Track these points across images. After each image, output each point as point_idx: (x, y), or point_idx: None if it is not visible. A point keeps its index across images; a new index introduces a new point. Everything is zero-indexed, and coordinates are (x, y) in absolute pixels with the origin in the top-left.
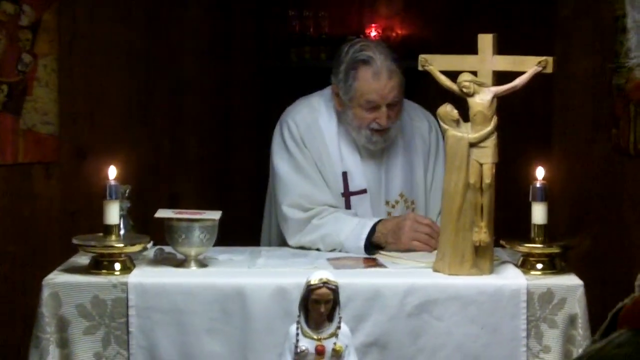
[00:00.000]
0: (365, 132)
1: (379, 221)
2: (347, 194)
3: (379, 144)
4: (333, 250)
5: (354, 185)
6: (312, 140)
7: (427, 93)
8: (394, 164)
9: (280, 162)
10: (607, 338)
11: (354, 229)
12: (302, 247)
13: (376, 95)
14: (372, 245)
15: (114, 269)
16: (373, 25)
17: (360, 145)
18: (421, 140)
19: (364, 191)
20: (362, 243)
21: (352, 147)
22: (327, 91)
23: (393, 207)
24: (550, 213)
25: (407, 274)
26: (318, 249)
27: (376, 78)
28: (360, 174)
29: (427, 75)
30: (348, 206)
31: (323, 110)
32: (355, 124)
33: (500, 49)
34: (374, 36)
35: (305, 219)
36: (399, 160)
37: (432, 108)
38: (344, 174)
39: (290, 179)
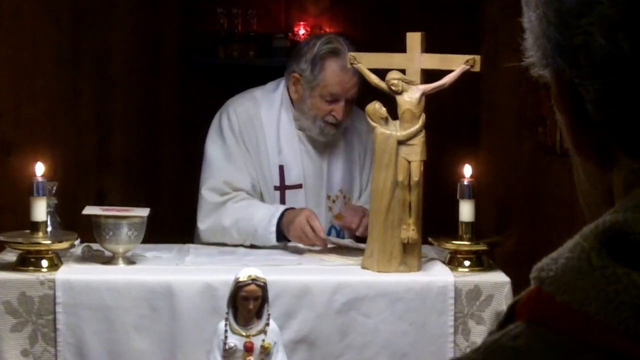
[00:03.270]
0: (320, 124)
1: (288, 209)
2: (282, 188)
3: (329, 136)
4: (246, 238)
5: (290, 179)
6: (251, 132)
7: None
8: (336, 159)
9: (211, 146)
10: (504, 330)
11: (266, 213)
12: (214, 235)
13: (340, 87)
14: (282, 235)
15: (41, 266)
16: (301, 23)
17: (305, 139)
18: (359, 140)
19: (299, 186)
20: (273, 228)
21: (293, 141)
22: (270, 86)
23: (334, 201)
24: (478, 210)
25: (335, 272)
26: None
27: (344, 71)
28: (299, 168)
29: (356, 73)
30: (283, 199)
31: (265, 103)
32: (311, 114)
33: (428, 47)
34: (303, 35)
35: (221, 202)
36: (340, 156)
37: (360, 106)
38: (281, 167)
39: (218, 165)
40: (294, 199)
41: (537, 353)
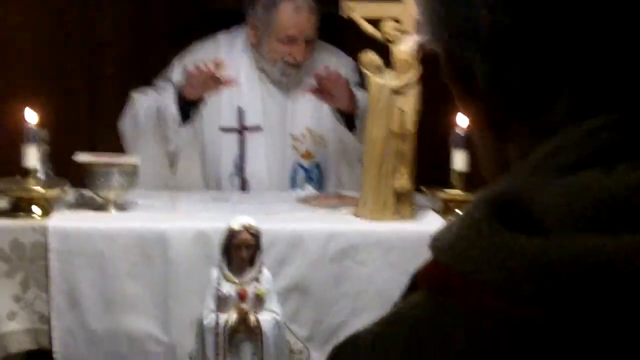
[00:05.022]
0: (280, 65)
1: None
2: (241, 129)
3: (292, 77)
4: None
5: (249, 120)
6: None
7: (346, 39)
8: (302, 98)
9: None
10: (405, 300)
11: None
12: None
13: (296, 29)
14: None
15: (33, 212)
16: None
17: (268, 80)
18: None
19: (258, 127)
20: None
21: (254, 82)
22: (235, 30)
23: (299, 141)
24: (472, 161)
25: (329, 220)
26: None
27: (297, 11)
28: (258, 109)
29: (348, 22)
30: (242, 140)
31: (226, 46)
32: (270, 57)
33: None
34: None
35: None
36: (307, 95)
37: (352, 55)
38: (239, 109)
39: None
40: (254, 139)
41: (434, 321)
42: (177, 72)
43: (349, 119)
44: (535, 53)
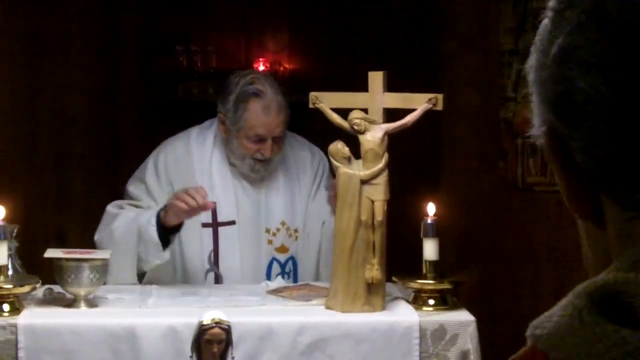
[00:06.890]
0: (249, 161)
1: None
2: (215, 225)
3: (261, 172)
4: (129, 239)
5: (223, 215)
6: (180, 171)
7: (313, 128)
8: (275, 192)
9: (131, 184)
10: None
11: (151, 212)
12: (103, 243)
13: (264, 129)
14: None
15: (2, 311)
16: (261, 59)
17: (239, 175)
18: (303, 169)
19: (232, 222)
20: (154, 220)
21: (226, 177)
22: (207, 123)
23: (274, 234)
24: (440, 248)
25: (299, 312)
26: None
27: (266, 112)
28: (231, 204)
29: (315, 111)
30: (216, 236)
31: (199, 141)
32: (239, 153)
33: (387, 82)
34: (262, 71)
35: (119, 212)
36: (280, 189)
37: (318, 144)
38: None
39: (134, 195)
40: (228, 235)
41: None
42: (150, 172)
43: None
44: (629, 126)
